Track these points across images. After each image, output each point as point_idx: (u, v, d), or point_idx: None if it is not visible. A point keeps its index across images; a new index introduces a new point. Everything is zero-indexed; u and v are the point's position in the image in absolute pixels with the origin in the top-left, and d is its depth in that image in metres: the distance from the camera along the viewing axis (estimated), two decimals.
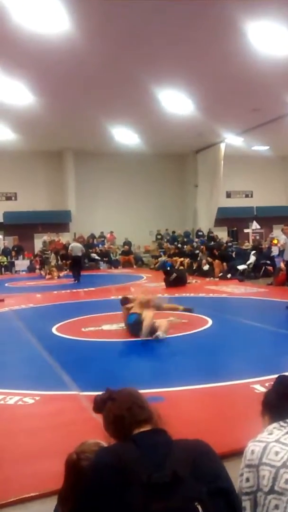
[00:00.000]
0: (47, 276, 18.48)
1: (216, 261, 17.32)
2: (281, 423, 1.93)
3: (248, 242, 18.41)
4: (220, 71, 13.35)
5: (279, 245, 17.84)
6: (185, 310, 8.82)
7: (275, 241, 21.55)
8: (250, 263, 16.29)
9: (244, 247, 17.81)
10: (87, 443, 2.00)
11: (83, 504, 1.60)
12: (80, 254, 17.05)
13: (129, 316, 7.39)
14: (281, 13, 10.04)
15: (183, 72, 13.41)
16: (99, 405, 1.89)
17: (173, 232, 25.65)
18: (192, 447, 1.69)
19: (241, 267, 16.12)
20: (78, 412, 4.36)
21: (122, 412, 1.79)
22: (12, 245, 23.09)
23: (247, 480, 1.82)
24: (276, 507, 1.72)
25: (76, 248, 16.95)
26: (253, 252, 16.91)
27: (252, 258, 16.52)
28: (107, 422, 1.86)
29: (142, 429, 1.76)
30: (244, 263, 16.63)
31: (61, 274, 19.12)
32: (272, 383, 2.21)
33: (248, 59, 12.28)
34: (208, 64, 12.85)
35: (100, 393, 1.94)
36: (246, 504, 1.79)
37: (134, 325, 7.17)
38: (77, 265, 16.95)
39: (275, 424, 1.95)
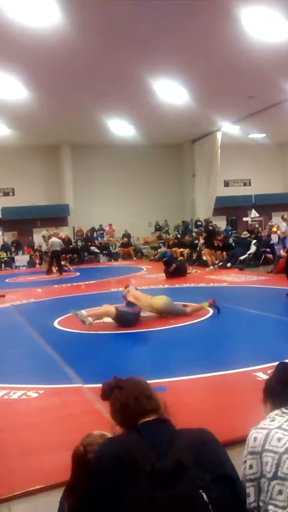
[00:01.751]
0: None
1: (206, 249, 17.26)
2: (283, 409, 1.95)
3: (247, 231, 18.38)
4: (214, 59, 13.27)
5: (279, 232, 17.87)
6: (212, 305, 8.14)
7: (274, 229, 21.59)
8: (251, 253, 16.28)
9: (242, 236, 17.78)
10: (93, 435, 2.02)
11: (89, 495, 1.62)
12: (58, 248, 17.96)
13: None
14: None
15: (177, 61, 13.32)
16: (106, 393, 1.90)
17: (183, 221, 25.19)
18: (196, 436, 1.70)
19: (242, 257, 16.13)
20: (82, 405, 4.38)
21: (129, 401, 1.80)
22: (11, 240, 23.09)
23: (251, 467, 1.84)
24: (280, 492, 1.74)
25: (55, 243, 17.87)
26: (254, 241, 16.89)
27: (253, 248, 16.50)
28: (114, 410, 1.87)
29: (148, 419, 1.77)
30: (245, 251, 16.61)
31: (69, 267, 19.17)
32: (273, 370, 2.22)
33: (242, 46, 12.20)
34: (202, 52, 12.77)
35: (107, 381, 1.95)
36: (250, 490, 1.81)
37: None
38: (56, 259, 17.90)
39: (277, 411, 1.96)
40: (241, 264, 15.86)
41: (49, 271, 17.63)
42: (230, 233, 21.61)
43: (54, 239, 18.32)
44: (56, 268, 17.91)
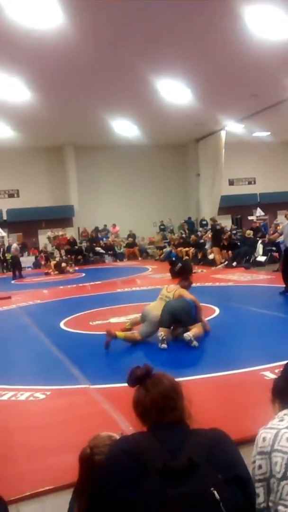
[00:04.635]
0: (51, 271, 18.48)
1: (215, 248, 17.21)
2: None
3: (251, 229, 18.34)
4: (217, 58, 13.23)
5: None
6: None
7: (279, 227, 21.45)
8: (259, 255, 16.25)
9: (246, 235, 17.76)
10: (100, 436, 2.01)
11: (100, 490, 1.62)
12: (15, 253, 18.17)
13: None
14: None
15: (181, 61, 13.30)
16: (134, 381, 1.85)
17: (189, 218, 25.59)
18: (209, 436, 1.69)
19: (261, 258, 16.05)
20: (89, 406, 4.38)
21: (152, 410, 1.75)
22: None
23: (260, 467, 1.82)
24: None
25: (13, 248, 18.36)
26: (260, 241, 16.84)
27: (260, 247, 16.46)
28: (135, 406, 1.82)
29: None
30: (250, 250, 16.58)
31: (71, 269, 19.03)
32: (281, 369, 2.21)
33: (245, 44, 12.16)
34: (206, 51, 12.74)
35: (140, 366, 1.85)
36: (260, 491, 1.79)
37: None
38: (14, 264, 18.19)
39: (285, 411, 1.94)
40: (246, 262, 15.83)
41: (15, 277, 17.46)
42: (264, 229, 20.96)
43: (14, 244, 18.75)
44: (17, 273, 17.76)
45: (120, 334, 6.49)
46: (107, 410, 4.17)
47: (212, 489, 1.50)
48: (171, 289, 6.86)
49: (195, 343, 6.08)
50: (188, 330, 6.30)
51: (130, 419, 2.44)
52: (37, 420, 4.18)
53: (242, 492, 1.59)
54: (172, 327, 6.55)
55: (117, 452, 1.65)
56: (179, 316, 6.39)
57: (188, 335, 6.14)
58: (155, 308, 6.67)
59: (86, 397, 4.60)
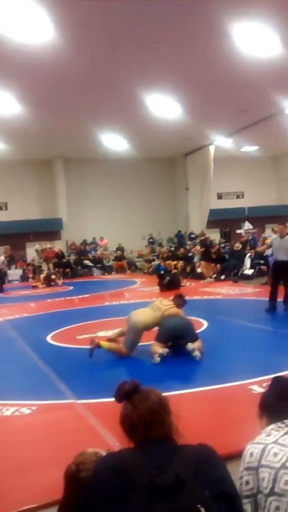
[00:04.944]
0: (39, 285, 18.44)
1: (203, 262, 17.27)
2: (279, 424, 1.92)
3: (240, 243, 18.45)
4: (206, 74, 13.40)
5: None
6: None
7: (267, 241, 21.57)
8: (246, 268, 16.31)
9: (235, 248, 17.85)
10: (86, 453, 1.98)
11: (86, 506, 1.59)
12: (2, 266, 18.41)
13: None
14: (265, 14, 10.09)
15: (170, 76, 13.44)
16: (121, 397, 1.83)
17: (179, 231, 25.84)
18: (196, 452, 1.68)
19: (248, 271, 16.08)
20: (75, 421, 4.33)
21: (139, 426, 1.73)
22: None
23: (247, 483, 1.81)
24: (277, 508, 1.71)
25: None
26: (249, 254, 16.93)
27: (248, 261, 16.53)
28: (122, 422, 1.80)
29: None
30: (238, 263, 16.63)
31: (59, 281, 19.02)
32: (269, 383, 2.20)
33: (234, 61, 12.32)
34: (194, 67, 12.90)
35: (127, 381, 1.83)
36: (247, 507, 1.78)
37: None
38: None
39: (273, 426, 1.94)
40: (235, 276, 15.87)
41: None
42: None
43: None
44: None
45: (104, 344, 6.41)
46: (94, 425, 4.12)
47: (199, 506, 1.48)
48: (165, 304, 6.70)
49: (197, 352, 6.02)
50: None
51: (117, 434, 2.42)
52: (22, 435, 4.11)
53: (229, 509, 1.57)
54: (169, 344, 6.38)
55: (104, 468, 1.63)
56: (182, 333, 6.26)
57: (192, 346, 6.08)
58: (138, 313, 6.58)
59: (73, 412, 4.55)
